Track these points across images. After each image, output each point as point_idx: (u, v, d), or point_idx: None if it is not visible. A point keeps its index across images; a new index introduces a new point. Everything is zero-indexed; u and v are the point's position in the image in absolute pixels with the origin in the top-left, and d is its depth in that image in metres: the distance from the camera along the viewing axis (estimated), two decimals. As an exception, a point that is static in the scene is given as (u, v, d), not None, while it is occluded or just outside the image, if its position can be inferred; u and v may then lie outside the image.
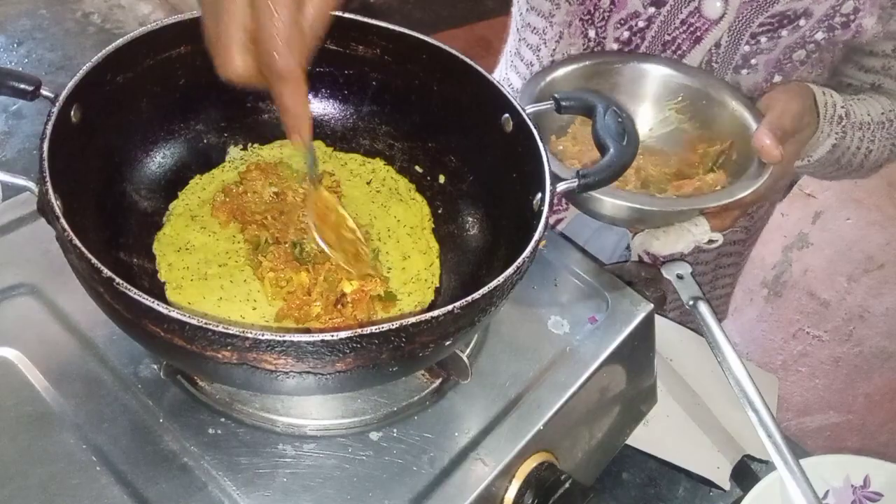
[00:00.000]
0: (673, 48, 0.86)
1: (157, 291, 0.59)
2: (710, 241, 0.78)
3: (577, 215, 1.01)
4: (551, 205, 0.56)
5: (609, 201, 0.71)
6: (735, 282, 1.17)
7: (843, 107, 0.82)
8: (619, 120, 0.62)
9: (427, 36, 0.66)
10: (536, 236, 0.54)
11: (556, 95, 0.65)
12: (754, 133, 0.76)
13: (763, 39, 0.83)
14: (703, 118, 0.85)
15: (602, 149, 0.61)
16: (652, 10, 0.84)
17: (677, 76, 0.85)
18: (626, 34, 0.86)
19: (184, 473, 0.53)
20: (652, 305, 0.71)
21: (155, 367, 0.58)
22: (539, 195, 0.57)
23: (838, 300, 2.24)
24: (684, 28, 0.84)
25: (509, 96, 0.62)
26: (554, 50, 0.92)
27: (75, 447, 0.53)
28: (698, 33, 0.84)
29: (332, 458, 0.55)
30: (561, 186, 0.58)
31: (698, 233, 0.78)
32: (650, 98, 0.87)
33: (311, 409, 0.58)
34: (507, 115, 0.63)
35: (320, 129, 0.71)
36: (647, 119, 0.87)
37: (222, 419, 0.56)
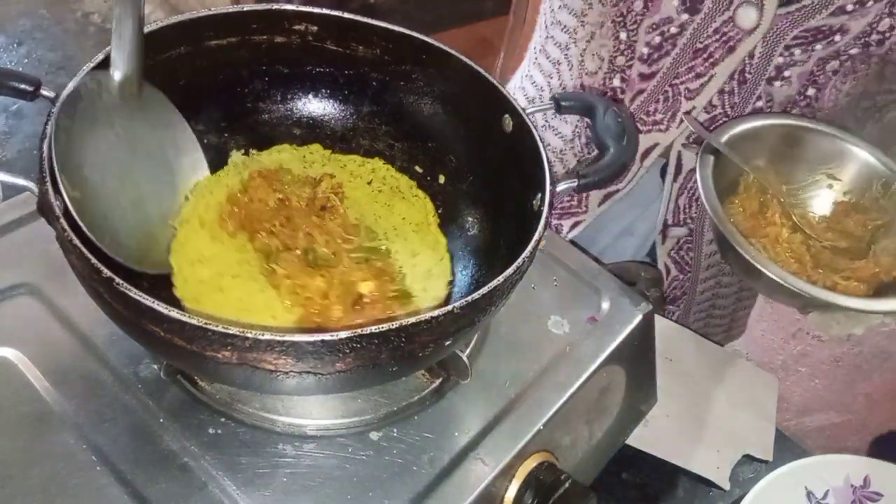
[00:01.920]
0: (704, 56, 0.85)
1: (157, 291, 0.59)
2: (883, 324, 0.80)
3: (596, 219, 1.01)
4: (551, 205, 0.56)
5: (804, 295, 0.71)
6: (755, 300, 1.16)
7: None
8: (619, 120, 0.62)
9: (427, 36, 0.66)
10: (536, 236, 0.54)
11: (556, 96, 0.65)
12: None
13: (797, 52, 0.83)
14: (858, 186, 0.85)
15: (602, 149, 0.61)
16: (685, 16, 0.83)
17: (841, 142, 0.85)
18: (658, 39, 0.86)
19: (184, 473, 0.53)
20: (652, 305, 0.71)
21: (155, 367, 0.58)
22: (539, 195, 0.57)
23: (838, 300, 2.24)
24: (717, 37, 0.84)
25: (509, 96, 0.62)
26: (584, 50, 0.92)
27: (75, 447, 0.53)
28: (731, 43, 0.84)
29: (332, 458, 0.55)
30: (561, 186, 0.58)
31: (873, 317, 0.78)
32: (810, 162, 0.87)
33: (311, 409, 0.58)
34: (507, 115, 0.63)
35: (320, 130, 0.71)
36: (800, 181, 0.87)
37: (222, 419, 0.56)
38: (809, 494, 0.79)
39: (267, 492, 0.53)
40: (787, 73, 0.85)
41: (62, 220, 0.47)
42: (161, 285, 0.59)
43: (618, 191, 0.97)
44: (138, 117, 0.57)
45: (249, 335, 0.44)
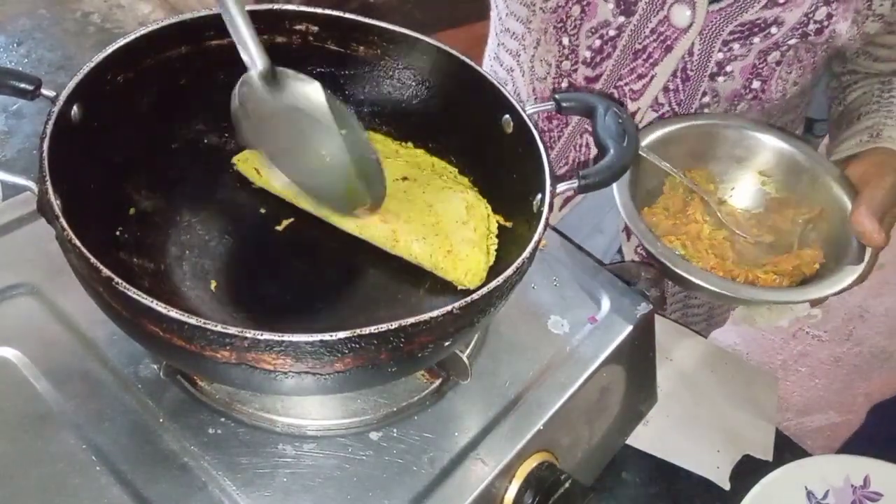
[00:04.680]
0: (644, 56, 0.86)
1: (157, 291, 0.59)
2: (810, 316, 0.80)
3: (565, 218, 1.01)
4: (551, 205, 0.56)
5: (717, 291, 0.72)
6: None
7: None
8: (620, 121, 0.62)
9: (427, 36, 0.66)
10: (536, 237, 0.54)
11: (556, 96, 0.65)
12: (852, 214, 0.76)
13: (736, 46, 0.83)
14: (788, 181, 0.85)
15: (602, 149, 0.61)
16: (622, 19, 0.84)
17: (769, 139, 0.85)
18: (598, 42, 0.86)
19: (184, 473, 0.53)
20: (652, 305, 0.71)
21: (155, 367, 0.58)
22: (539, 196, 0.57)
23: (838, 300, 2.24)
24: (654, 37, 0.84)
25: (509, 96, 0.62)
26: (532, 56, 0.92)
27: (75, 447, 0.53)
28: (668, 42, 0.84)
29: (332, 458, 0.55)
30: (561, 187, 0.58)
31: (799, 310, 0.79)
32: (740, 160, 0.87)
33: (310, 409, 0.58)
34: (507, 115, 0.63)
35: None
36: (732, 180, 0.87)
37: (222, 419, 0.56)
38: (809, 494, 0.79)
39: (267, 492, 0.53)
40: (728, 69, 0.85)
41: (62, 220, 0.47)
42: (161, 285, 0.60)
43: (573, 196, 0.97)
44: (285, 96, 0.60)
45: (248, 335, 0.44)
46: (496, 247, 0.64)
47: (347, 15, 0.66)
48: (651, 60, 0.86)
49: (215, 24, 0.64)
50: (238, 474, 0.53)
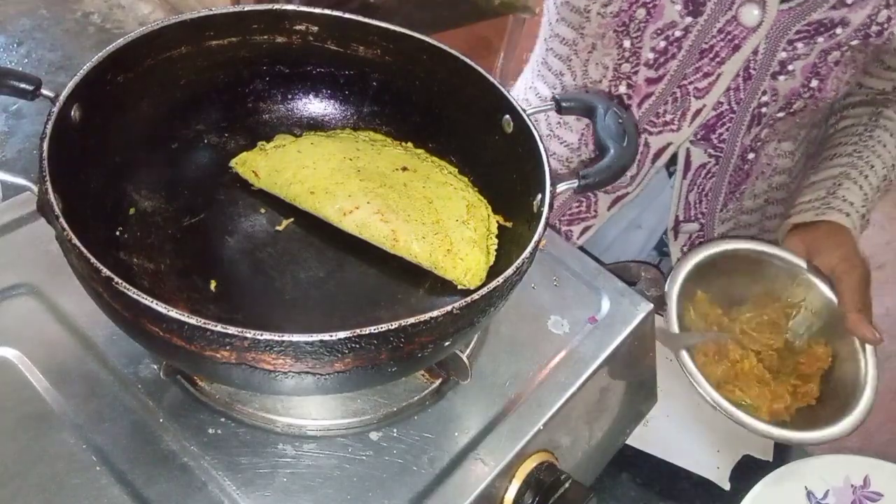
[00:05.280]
0: (710, 56, 0.86)
1: (157, 291, 0.59)
2: None
3: (606, 222, 1.01)
4: (551, 205, 0.56)
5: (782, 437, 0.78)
6: None
7: (863, 211, 0.88)
8: (620, 121, 0.62)
9: (427, 36, 0.66)
10: (536, 237, 0.54)
11: (556, 96, 0.65)
12: (848, 322, 0.82)
13: (800, 45, 0.84)
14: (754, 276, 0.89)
15: (602, 150, 0.61)
16: (689, 19, 0.84)
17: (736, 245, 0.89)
18: (663, 44, 0.86)
19: (184, 473, 0.53)
20: (652, 305, 0.71)
21: (155, 367, 0.58)
22: (539, 196, 0.57)
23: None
24: (722, 36, 0.84)
25: (509, 96, 0.62)
26: (586, 60, 0.92)
27: (75, 447, 0.53)
28: (736, 41, 0.84)
29: (332, 458, 0.55)
30: (561, 187, 0.58)
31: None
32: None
33: (310, 410, 0.58)
34: (507, 115, 0.63)
35: (321, 130, 0.71)
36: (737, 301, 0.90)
37: (222, 419, 0.56)
38: (809, 494, 0.79)
39: (267, 492, 0.53)
40: (790, 67, 0.85)
41: (62, 220, 0.47)
42: (161, 285, 0.60)
43: (627, 194, 0.98)
44: None
45: (248, 335, 0.44)
46: (496, 247, 0.64)
47: (347, 15, 0.66)
48: (718, 59, 0.86)
49: (216, 24, 0.64)
50: (238, 474, 0.53)
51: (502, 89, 0.63)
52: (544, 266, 0.72)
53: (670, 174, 0.98)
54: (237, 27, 0.65)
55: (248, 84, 0.69)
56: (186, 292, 0.60)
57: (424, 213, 0.64)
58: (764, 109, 0.89)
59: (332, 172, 0.65)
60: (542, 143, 0.59)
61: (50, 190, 0.48)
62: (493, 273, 0.62)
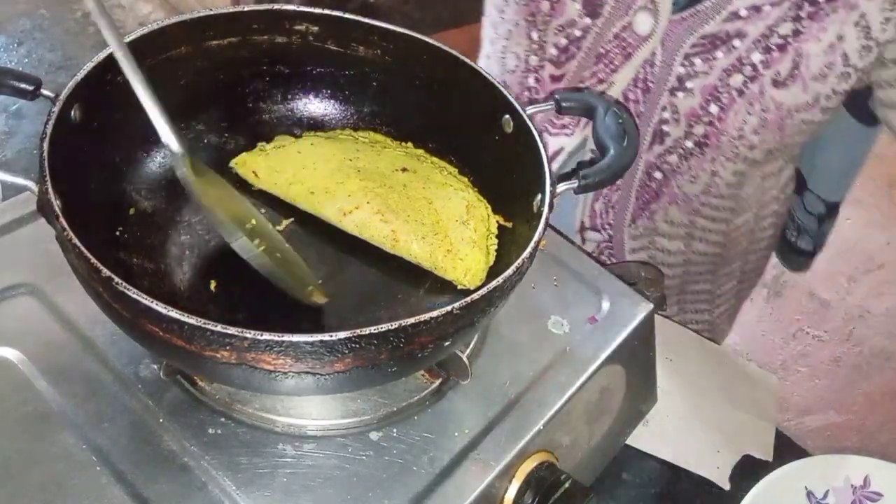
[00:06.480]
0: (606, 62, 0.85)
1: (157, 291, 0.59)
2: None
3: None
4: (551, 205, 0.56)
5: None
6: (739, 300, 1.13)
7: None
8: (620, 121, 0.62)
9: (427, 36, 0.66)
10: (536, 237, 0.54)
11: (556, 96, 0.65)
12: None
13: (698, 62, 0.82)
14: None
15: (602, 149, 0.61)
16: (587, 20, 0.84)
17: None
18: (564, 41, 0.86)
19: (184, 473, 0.53)
20: (652, 305, 0.71)
21: (155, 367, 0.58)
22: (539, 196, 0.57)
23: (838, 300, 2.24)
24: (617, 42, 0.84)
25: (509, 96, 0.62)
26: (504, 47, 0.92)
27: (75, 447, 0.53)
28: (629, 49, 0.84)
29: (332, 458, 0.55)
30: (561, 187, 0.58)
31: None
32: None
33: (310, 410, 0.58)
34: (507, 115, 0.63)
35: (321, 130, 0.71)
36: None
37: (222, 419, 0.56)
38: (809, 494, 0.79)
39: (267, 492, 0.53)
40: (689, 85, 0.83)
41: (62, 220, 0.47)
42: (161, 285, 0.60)
43: None
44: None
45: (248, 335, 0.44)
46: (496, 247, 0.64)
47: (347, 15, 0.66)
48: (611, 66, 0.86)
49: (216, 25, 0.64)
50: (238, 474, 0.53)
51: (502, 89, 0.63)
52: (544, 266, 0.72)
53: None
54: (237, 27, 0.65)
55: (247, 84, 0.69)
56: (186, 292, 0.60)
57: (424, 214, 0.64)
58: (666, 128, 0.86)
59: (332, 173, 0.65)
60: (542, 142, 0.59)
61: (50, 190, 0.48)
62: (493, 273, 0.62)
